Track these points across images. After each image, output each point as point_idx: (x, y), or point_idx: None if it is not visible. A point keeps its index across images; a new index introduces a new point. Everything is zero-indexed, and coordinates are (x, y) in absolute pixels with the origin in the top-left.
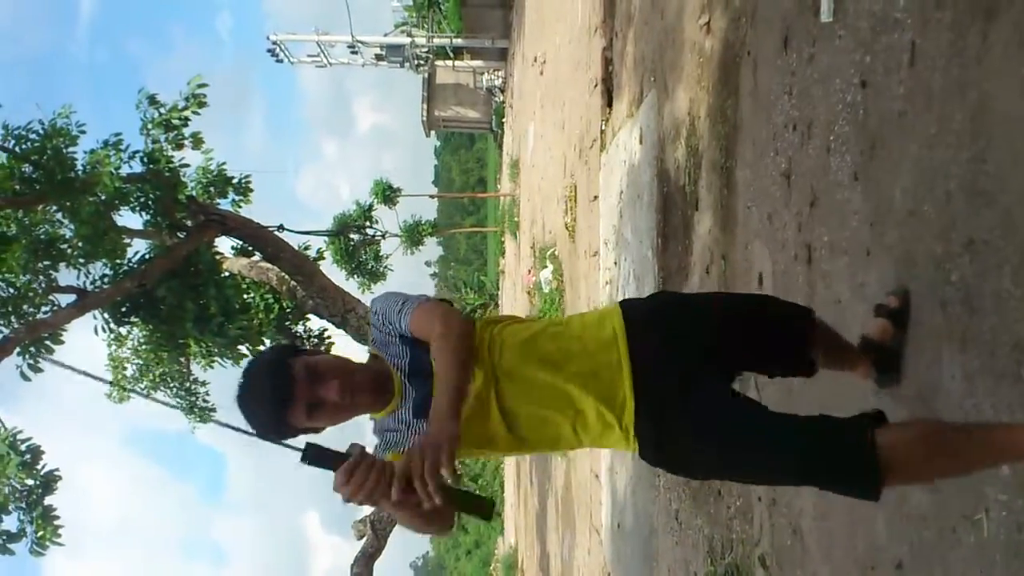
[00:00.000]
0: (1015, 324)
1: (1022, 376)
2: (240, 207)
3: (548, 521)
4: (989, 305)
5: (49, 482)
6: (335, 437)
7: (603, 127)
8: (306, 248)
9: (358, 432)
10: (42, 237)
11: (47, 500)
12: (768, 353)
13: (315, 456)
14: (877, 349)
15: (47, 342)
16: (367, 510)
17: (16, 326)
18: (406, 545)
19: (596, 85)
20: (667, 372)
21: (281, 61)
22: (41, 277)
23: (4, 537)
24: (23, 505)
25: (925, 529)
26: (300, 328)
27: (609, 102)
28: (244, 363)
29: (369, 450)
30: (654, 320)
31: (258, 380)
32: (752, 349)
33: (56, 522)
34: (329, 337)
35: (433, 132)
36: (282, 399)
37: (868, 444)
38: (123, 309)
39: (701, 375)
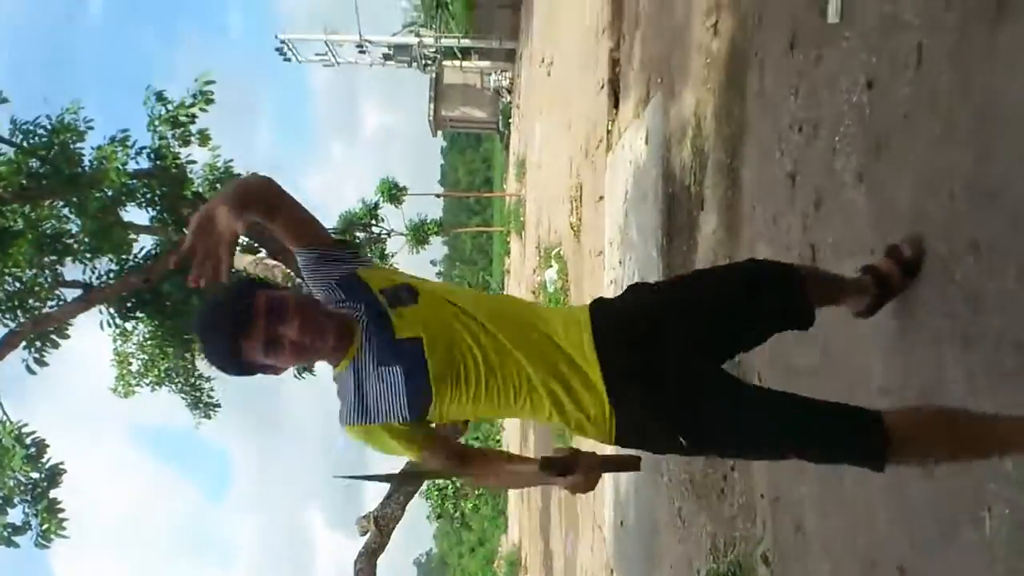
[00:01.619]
0: (1019, 324)
1: None
2: None
3: (552, 519)
4: (993, 305)
5: (54, 475)
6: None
7: (609, 128)
8: None
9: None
10: (48, 232)
11: (52, 493)
12: (761, 331)
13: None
14: (881, 282)
15: (53, 336)
16: (370, 506)
17: (22, 320)
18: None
19: (603, 86)
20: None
21: (289, 60)
22: (47, 272)
23: (9, 530)
24: (28, 498)
25: (927, 526)
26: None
27: (616, 103)
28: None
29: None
30: (625, 334)
31: (218, 309)
32: (741, 334)
33: (61, 515)
34: None
35: (440, 132)
36: (239, 331)
37: (874, 413)
38: (128, 304)
39: (689, 366)
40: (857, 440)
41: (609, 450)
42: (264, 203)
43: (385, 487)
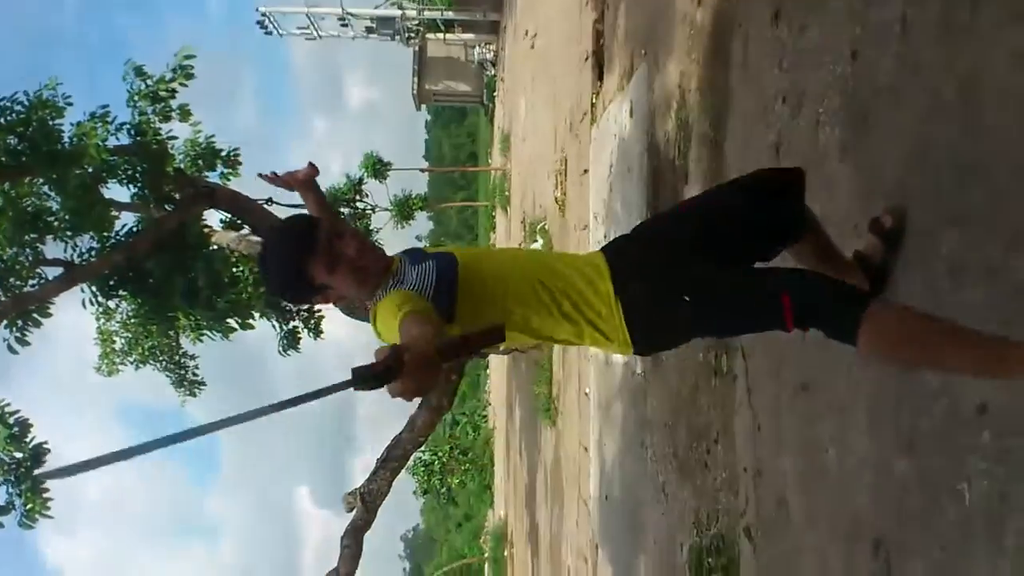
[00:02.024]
0: (1002, 298)
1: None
2: (229, 180)
3: (537, 493)
4: (977, 278)
5: (38, 455)
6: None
7: (594, 101)
8: None
9: None
10: (28, 210)
11: (36, 473)
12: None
13: (362, 377)
14: (868, 267)
15: (34, 315)
16: (357, 482)
17: (3, 299)
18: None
19: (587, 58)
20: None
21: (271, 33)
22: (28, 250)
23: None
24: (12, 478)
25: (908, 499)
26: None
27: (600, 75)
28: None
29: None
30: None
31: (286, 229)
32: (741, 250)
33: (45, 495)
34: (319, 311)
35: (424, 106)
36: (304, 245)
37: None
38: (111, 282)
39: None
40: (850, 287)
41: (594, 427)
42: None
43: (372, 466)
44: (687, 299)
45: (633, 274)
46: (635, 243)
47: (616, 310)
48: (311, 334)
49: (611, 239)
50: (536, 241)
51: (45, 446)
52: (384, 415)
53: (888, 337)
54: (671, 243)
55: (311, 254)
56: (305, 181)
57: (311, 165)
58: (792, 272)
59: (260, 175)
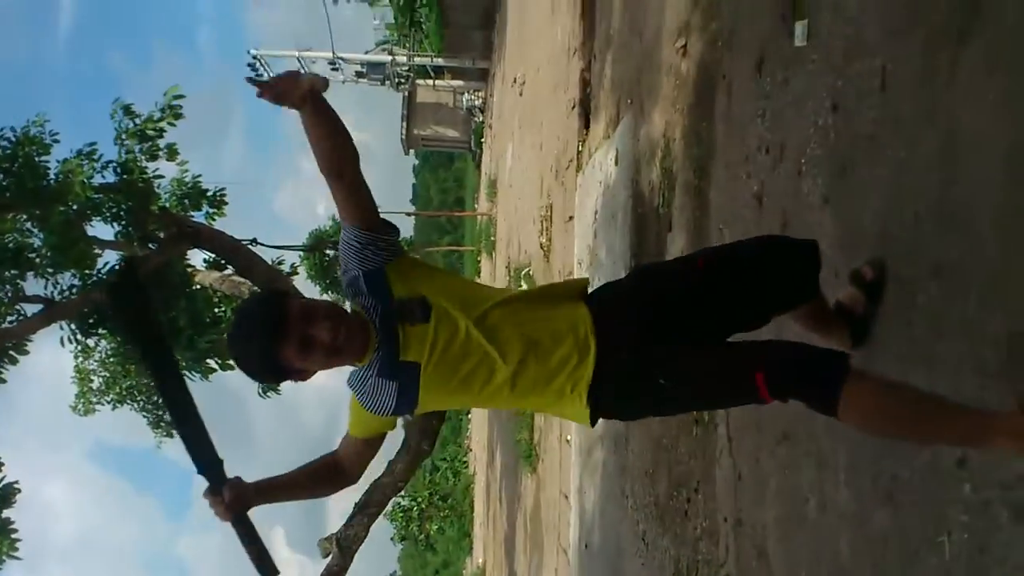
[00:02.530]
0: (980, 349)
1: (986, 401)
2: (214, 220)
3: (516, 541)
4: (955, 329)
5: (7, 495)
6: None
7: (580, 148)
8: (280, 263)
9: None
10: (10, 246)
11: (4, 513)
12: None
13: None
14: (849, 318)
15: (11, 352)
16: (333, 527)
17: None
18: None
19: (574, 106)
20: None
21: (262, 76)
22: (7, 286)
23: None
24: None
25: (888, 552)
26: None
27: (587, 123)
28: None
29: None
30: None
31: (253, 314)
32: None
33: (14, 535)
34: None
35: (412, 151)
36: (275, 332)
37: (844, 359)
38: (90, 320)
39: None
40: (825, 359)
41: (575, 474)
42: (344, 140)
43: (349, 510)
44: (662, 382)
45: (614, 344)
46: (627, 301)
47: (585, 391)
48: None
49: (608, 283)
50: (521, 286)
51: (15, 485)
52: None
53: (866, 412)
54: (663, 307)
55: (282, 342)
56: (309, 94)
57: (320, 77)
58: (765, 347)
59: (249, 79)
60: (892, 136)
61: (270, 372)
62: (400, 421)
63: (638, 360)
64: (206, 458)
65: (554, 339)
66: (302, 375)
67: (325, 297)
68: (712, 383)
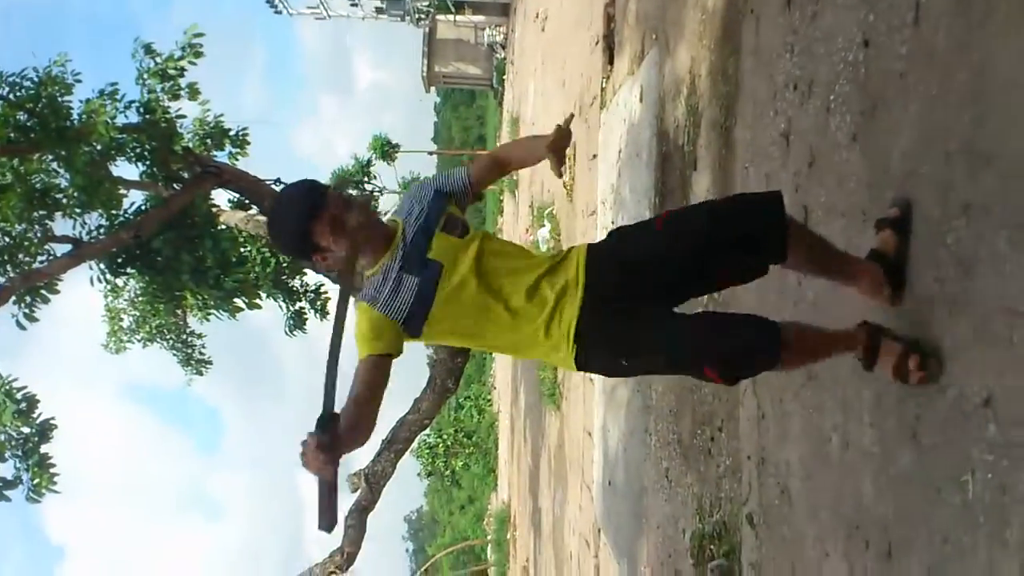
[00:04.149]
0: (1009, 288)
1: (1014, 341)
2: (237, 160)
3: (541, 477)
4: (984, 269)
5: (45, 431)
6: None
7: (604, 85)
8: None
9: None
10: (37, 186)
11: (43, 448)
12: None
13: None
14: (883, 261)
15: (42, 292)
16: (362, 463)
17: (12, 275)
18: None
19: (597, 42)
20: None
21: (280, 12)
22: (36, 227)
23: (1, 484)
24: (19, 453)
25: (910, 490)
26: (296, 282)
27: (610, 59)
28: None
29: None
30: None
31: (295, 192)
32: (716, 276)
33: (52, 470)
34: (326, 292)
35: (433, 88)
36: (313, 208)
37: (776, 333)
38: (119, 260)
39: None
40: (761, 341)
41: (598, 412)
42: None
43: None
44: (624, 363)
45: (597, 323)
46: (615, 269)
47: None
48: (317, 315)
49: (608, 237)
50: (544, 226)
51: (52, 421)
52: (389, 397)
53: (799, 364)
54: (629, 270)
55: (317, 218)
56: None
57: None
58: (710, 341)
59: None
60: (924, 72)
61: (299, 242)
62: (425, 352)
63: (604, 339)
64: (328, 407)
65: (551, 288)
66: (324, 256)
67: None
68: (668, 371)
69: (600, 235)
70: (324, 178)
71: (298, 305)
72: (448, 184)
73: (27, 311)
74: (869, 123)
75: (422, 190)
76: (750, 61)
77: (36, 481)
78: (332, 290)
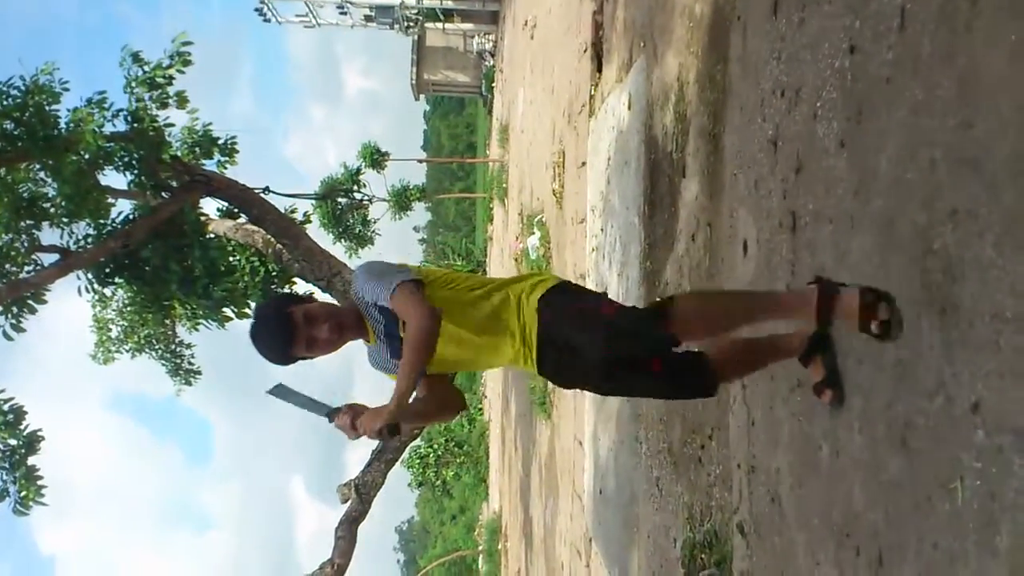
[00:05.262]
0: (996, 294)
1: (1001, 346)
2: (226, 168)
3: (532, 487)
4: (970, 274)
5: (32, 443)
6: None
7: (592, 92)
8: (292, 211)
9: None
10: (24, 196)
11: (30, 460)
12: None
13: (281, 392)
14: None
15: (29, 302)
16: (352, 474)
17: None
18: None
19: (586, 50)
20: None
21: (269, 21)
22: (24, 236)
23: None
24: (6, 465)
25: (901, 498)
26: (286, 291)
27: (599, 67)
28: (252, 309)
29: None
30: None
31: (266, 326)
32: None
33: (39, 482)
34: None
35: (422, 96)
36: (286, 340)
37: (705, 365)
38: (107, 270)
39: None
40: (696, 378)
41: (588, 420)
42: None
43: (367, 457)
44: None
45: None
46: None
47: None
48: None
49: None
50: (533, 234)
51: (39, 433)
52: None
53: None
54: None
55: (292, 344)
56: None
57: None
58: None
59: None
60: (910, 78)
61: (285, 363)
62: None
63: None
64: (325, 410)
65: (514, 326)
66: (311, 357)
67: (337, 246)
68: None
69: (589, 242)
70: (314, 186)
71: None
72: (382, 301)
73: (14, 321)
74: (856, 129)
75: (364, 297)
76: (737, 68)
77: (23, 493)
78: (321, 298)
